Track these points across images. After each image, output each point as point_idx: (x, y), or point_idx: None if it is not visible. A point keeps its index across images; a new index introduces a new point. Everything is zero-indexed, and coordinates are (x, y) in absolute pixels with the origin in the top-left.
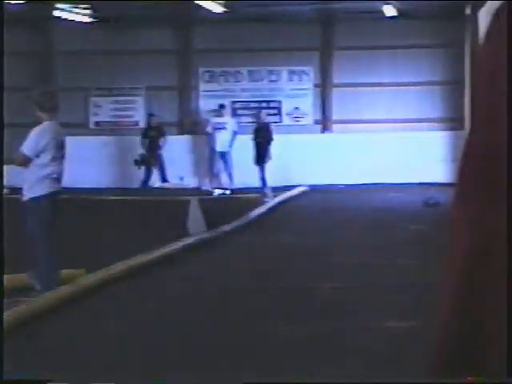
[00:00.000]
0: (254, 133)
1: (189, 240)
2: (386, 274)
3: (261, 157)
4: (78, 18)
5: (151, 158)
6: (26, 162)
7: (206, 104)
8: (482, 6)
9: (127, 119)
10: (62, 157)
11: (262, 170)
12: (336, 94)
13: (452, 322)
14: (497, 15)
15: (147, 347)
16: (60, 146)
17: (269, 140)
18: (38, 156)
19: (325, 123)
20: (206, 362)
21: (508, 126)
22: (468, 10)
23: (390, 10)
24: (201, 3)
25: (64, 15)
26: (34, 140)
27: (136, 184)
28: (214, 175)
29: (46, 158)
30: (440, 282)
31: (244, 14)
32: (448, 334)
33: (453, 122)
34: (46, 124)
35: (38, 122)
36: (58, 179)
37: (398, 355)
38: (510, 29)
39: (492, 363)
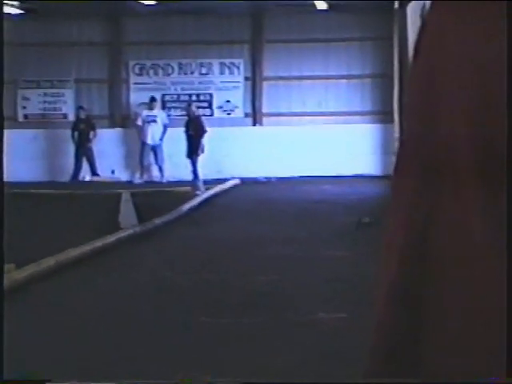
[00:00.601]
0: (186, 126)
1: (120, 234)
2: (316, 265)
3: (193, 150)
4: (6, 10)
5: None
6: None
7: (136, 97)
8: (410, 1)
9: (56, 112)
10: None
11: (194, 163)
12: (267, 87)
13: (388, 321)
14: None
15: (67, 348)
16: None
17: (201, 133)
18: None
19: (255, 116)
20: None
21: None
22: (396, 5)
23: (321, 4)
24: None
25: None
26: None
27: (66, 178)
28: (144, 168)
29: None
30: (376, 276)
31: (175, 7)
32: (384, 333)
33: (382, 114)
34: None
35: None
36: None
37: None
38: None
39: (429, 364)
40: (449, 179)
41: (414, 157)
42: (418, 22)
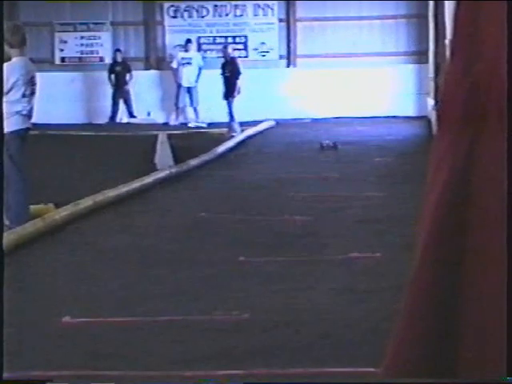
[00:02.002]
0: (222, 67)
1: (156, 175)
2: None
3: (229, 92)
4: None
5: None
6: None
7: (171, 39)
8: None
9: (93, 55)
10: (33, 93)
11: (230, 104)
12: (301, 29)
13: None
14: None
15: (113, 282)
16: (31, 83)
17: (237, 75)
18: (7, 93)
19: (290, 58)
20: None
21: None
22: None
23: None
24: None
25: None
26: (5, 77)
27: (103, 120)
28: (180, 110)
29: (16, 94)
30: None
31: None
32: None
33: (417, 55)
34: (15, 60)
35: (7, 59)
36: (29, 116)
37: None
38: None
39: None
40: (492, 112)
41: (458, 89)
42: None
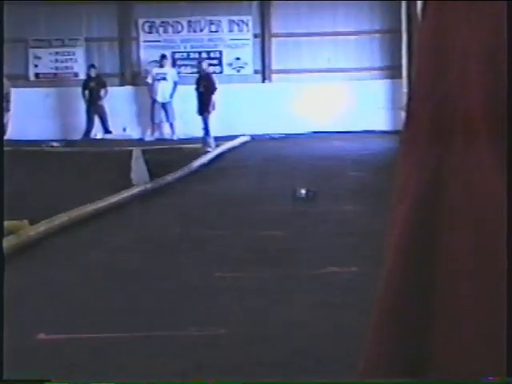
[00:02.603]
0: (197, 83)
1: (132, 190)
2: (325, 220)
3: (204, 107)
4: None
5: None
6: None
7: (146, 55)
8: None
9: (68, 71)
10: (7, 110)
11: (206, 120)
12: (276, 44)
13: (398, 271)
14: None
15: (88, 298)
16: (5, 99)
17: (211, 90)
18: None
19: (265, 73)
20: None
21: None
22: None
23: None
24: None
25: None
26: None
27: (78, 136)
28: (156, 126)
29: None
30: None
31: None
32: (393, 285)
33: (391, 70)
34: None
35: None
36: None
37: None
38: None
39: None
40: (459, 127)
41: (424, 108)
42: None
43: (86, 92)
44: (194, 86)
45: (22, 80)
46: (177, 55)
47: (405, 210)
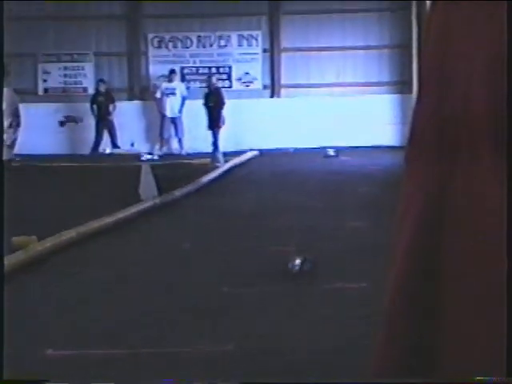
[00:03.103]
0: (205, 98)
1: (140, 206)
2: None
3: (214, 122)
4: None
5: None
6: None
7: (155, 70)
8: None
9: (77, 85)
10: (18, 124)
11: (215, 135)
12: (285, 59)
13: (403, 290)
14: None
15: (96, 315)
16: (15, 114)
17: (221, 105)
18: None
19: (274, 88)
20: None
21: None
22: None
23: None
24: None
25: None
26: None
27: (87, 151)
28: (165, 141)
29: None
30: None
31: None
32: (399, 305)
33: (400, 85)
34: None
35: None
36: (11, 146)
37: None
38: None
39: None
40: (464, 145)
41: (429, 124)
42: None
43: (95, 107)
44: (202, 101)
45: (31, 95)
46: (186, 70)
47: (410, 226)
